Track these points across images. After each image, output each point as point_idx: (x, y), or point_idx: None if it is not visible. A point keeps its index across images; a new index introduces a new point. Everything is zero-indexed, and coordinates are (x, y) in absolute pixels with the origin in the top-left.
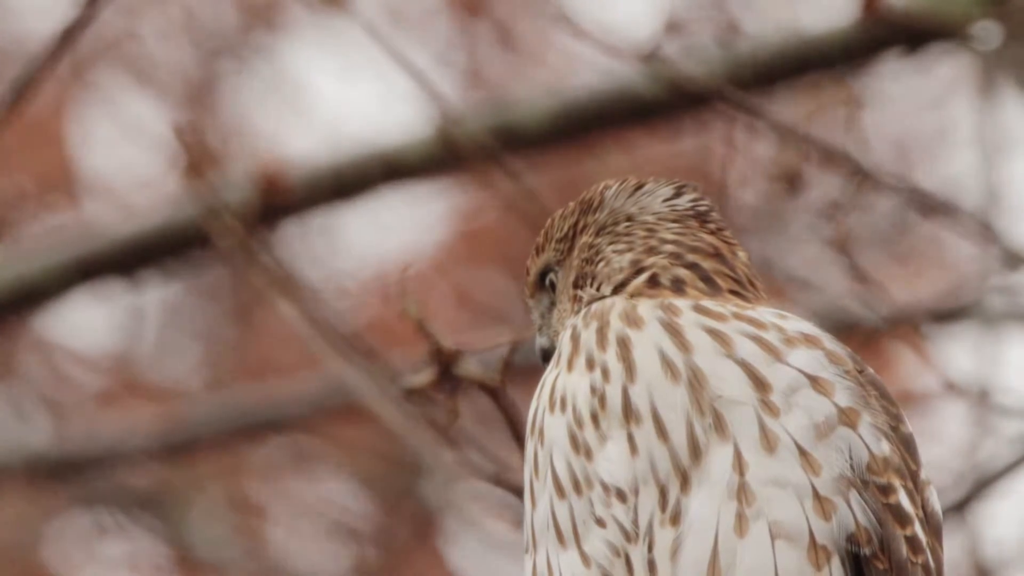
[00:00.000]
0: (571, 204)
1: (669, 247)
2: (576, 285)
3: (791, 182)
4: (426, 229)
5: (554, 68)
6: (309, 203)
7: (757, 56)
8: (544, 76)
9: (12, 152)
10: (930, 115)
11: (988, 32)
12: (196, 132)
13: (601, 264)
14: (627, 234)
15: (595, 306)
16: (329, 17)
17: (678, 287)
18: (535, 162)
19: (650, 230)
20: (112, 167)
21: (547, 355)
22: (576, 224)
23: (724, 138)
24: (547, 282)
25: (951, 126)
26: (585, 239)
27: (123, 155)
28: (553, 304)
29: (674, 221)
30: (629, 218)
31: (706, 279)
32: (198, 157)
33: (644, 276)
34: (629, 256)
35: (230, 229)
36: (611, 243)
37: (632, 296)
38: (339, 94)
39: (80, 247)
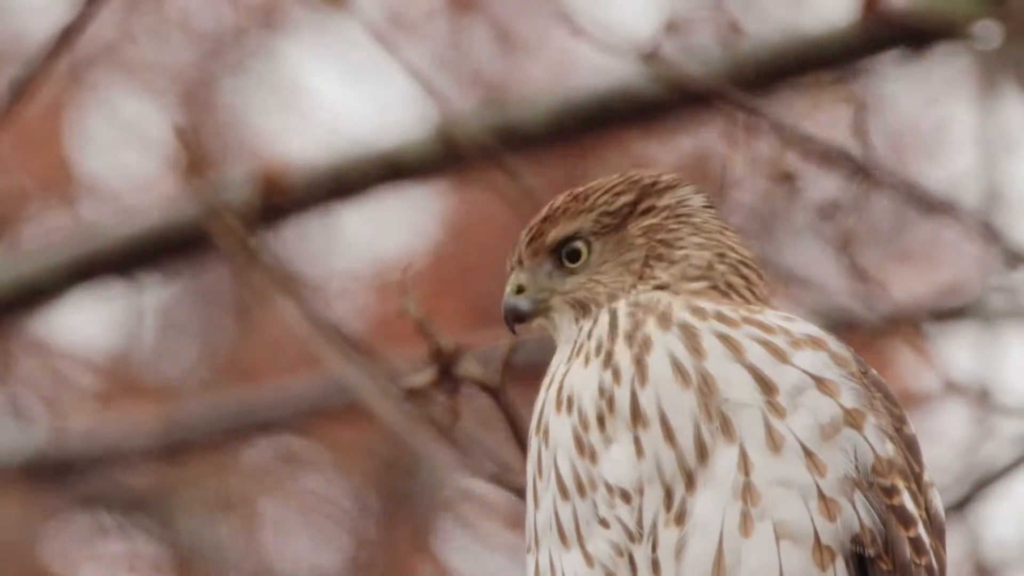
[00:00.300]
0: (612, 181)
1: (735, 256)
2: (647, 263)
3: (791, 182)
4: (426, 229)
5: (554, 67)
6: (309, 203)
7: (757, 56)
8: (544, 75)
9: (11, 153)
10: (930, 114)
11: (988, 32)
12: (195, 132)
13: (681, 252)
14: (705, 230)
15: (645, 297)
16: (329, 17)
17: (725, 292)
18: (535, 161)
19: (723, 231)
20: (111, 167)
21: (520, 319)
22: (635, 202)
23: (724, 138)
24: (567, 248)
25: (951, 125)
26: (655, 221)
27: (122, 156)
28: (561, 271)
29: (729, 228)
30: (698, 212)
31: (749, 289)
32: (197, 157)
33: (708, 282)
34: (708, 255)
35: (229, 229)
36: (692, 234)
37: (686, 294)
38: (339, 94)
39: (78, 247)
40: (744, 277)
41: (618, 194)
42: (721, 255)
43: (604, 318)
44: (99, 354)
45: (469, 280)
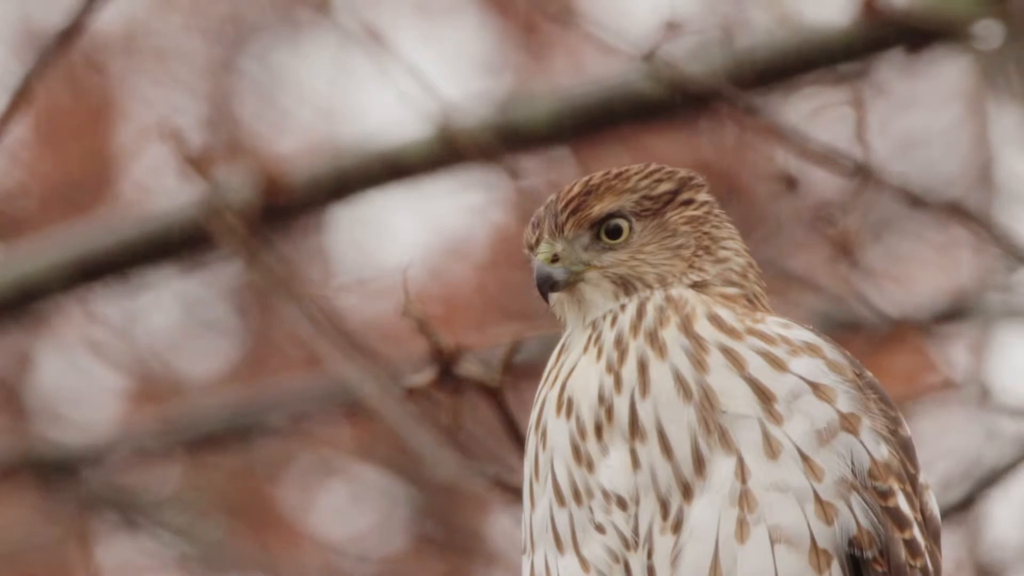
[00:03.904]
0: (652, 167)
1: (756, 265)
2: (695, 252)
3: (791, 182)
4: (427, 228)
5: (557, 67)
6: (311, 203)
7: (757, 56)
8: (547, 75)
9: (18, 151)
10: (931, 114)
11: (989, 31)
12: (199, 132)
13: (722, 252)
14: (735, 237)
15: (677, 293)
16: (333, 16)
17: (753, 301)
18: (537, 161)
19: (739, 238)
20: (115, 168)
21: (555, 287)
22: (675, 192)
23: (725, 137)
24: (609, 224)
25: (952, 125)
26: (696, 213)
27: (125, 157)
28: (592, 244)
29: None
30: (724, 215)
31: (761, 296)
32: (201, 157)
33: (740, 290)
34: (742, 261)
35: (233, 229)
36: (730, 238)
37: (716, 297)
38: (342, 93)
39: (84, 246)
40: (761, 286)
41: (659, 180)
42: (751, 263)
43: (631, 310)
44: (104, 354)
45: (470, 280)
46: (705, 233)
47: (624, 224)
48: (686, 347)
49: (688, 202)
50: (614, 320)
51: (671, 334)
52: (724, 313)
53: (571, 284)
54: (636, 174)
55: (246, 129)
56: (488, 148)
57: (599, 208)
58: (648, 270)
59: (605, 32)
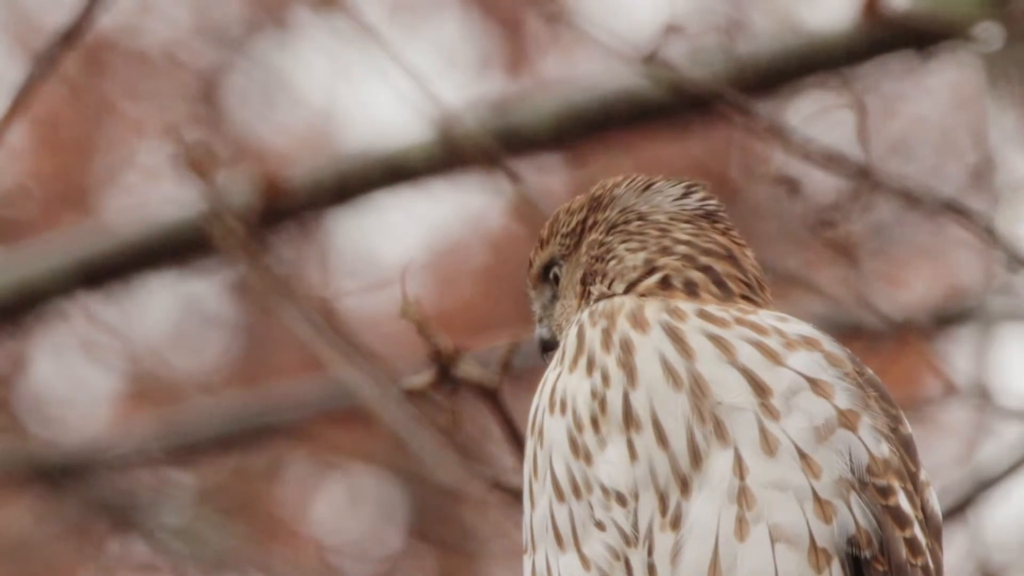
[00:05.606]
0: (577, 199)
1: (683, 248)
2: (584, 282)
3: (792, 184)
4: (428, 231)
5: (558, 70)
6: (311, 205)
7: (759, 59)
8: (548, 78)
9: (17, 153)
10: (932, 116)
11: (990, 33)
12: (199, 134)
13: (613, 262)
14: (640, 233)
15: (603, 304)
16: (332, 18)
17: (690, 290)
18: (538, 164)
19: (663, 229)
20: (115, 169)
21: (547, 346)
22: (584, 220)
23: (726, 140)
24: (551, 275)
25: (953, 127)
26: (595, 236)
27: (125, 160)
28: (555, 297)
29: (686, 221)
30: (641, 216)
31: (719, 282)
32: (201, 159)
33: (657, 276)
34: (643, 255)
35: (232, 232)
36: (623, 241)
37: (643, 295)
38: (342, 96)
39: (83, 249)
40: (703, 269)
41: (572, 213)
42: (663, 249)
43: (572, 331)
44: (102, 356)
45: (469, 283)
46: (594, 257)
47: (558, 271)
48: (662, 335)
49: (594, 225)
50: (566, 346)
51: (629, 330)
52: (683, 305)
53: (558, 338)
54: (560, 212)
55: (246, 132)
56: (489, 151)
57: (537, 264)
58: (561, 317)
59: (604, 34)
